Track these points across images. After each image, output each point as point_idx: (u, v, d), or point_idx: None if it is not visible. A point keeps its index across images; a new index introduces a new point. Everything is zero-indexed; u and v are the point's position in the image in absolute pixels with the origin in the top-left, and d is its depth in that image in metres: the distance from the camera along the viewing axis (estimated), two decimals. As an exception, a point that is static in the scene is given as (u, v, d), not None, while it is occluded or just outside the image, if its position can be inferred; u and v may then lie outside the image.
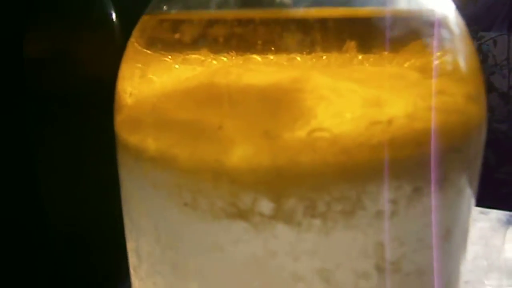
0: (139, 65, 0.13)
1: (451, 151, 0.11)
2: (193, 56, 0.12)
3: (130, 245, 0.13)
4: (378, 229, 0.10)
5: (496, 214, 0.33)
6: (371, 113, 0.10)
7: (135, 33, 0.14)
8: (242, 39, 0.11)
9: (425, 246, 0.11)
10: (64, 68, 0.21)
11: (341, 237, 0.10)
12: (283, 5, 0.11)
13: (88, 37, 0.21)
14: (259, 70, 0.11)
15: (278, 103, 0.10)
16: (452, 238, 0.12)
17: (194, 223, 0.10)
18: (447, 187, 0.11)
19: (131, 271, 0.13)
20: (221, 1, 0.12)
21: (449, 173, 0.11)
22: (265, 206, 0.10)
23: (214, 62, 0.12)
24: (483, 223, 0.32)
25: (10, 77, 0.22)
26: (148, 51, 0.13)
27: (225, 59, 0.11)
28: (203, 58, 0.12)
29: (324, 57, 0.11)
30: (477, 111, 0.12)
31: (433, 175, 0.10)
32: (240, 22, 0.11)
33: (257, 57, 0.11)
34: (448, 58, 0.12)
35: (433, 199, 0.11)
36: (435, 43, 0.12)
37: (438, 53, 0.12)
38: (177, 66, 0.12)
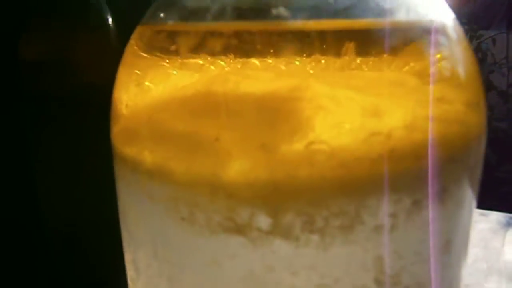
0: (135, 75, 0.13)
1: (451, 162, 0.11)
2: (190, 63, 0.12)
3: (128, 257, 0.13)
4: (377, 244, 0.10)
5: (496, 216, 0.33)
6: (370, 123, 0.10)
7: (131, 42, 0.14)
8: (239, 49, 0.11)
9: (425, 259, 0.11)
10: (60, 71, 0.21)
11: (340, 252, 0.10)
12: (279, 17, 0.11)
13: (84, 40, 0.21)
14: (257, 77, 0.11)
15: (276, 113, 0.10)
16: (452, 249, 0.12)
17: (191, 238, 0.10)
18: (447, 199, 0.11)
19: (129, 282, 0.13)
20: (218, 12, 0.11)
21: (449, 184, 0.11)
22: (263, 221, 0.10)
23: (212, 67, 0.11)
24: (482, 225, 0.32)
25: (5, 80, 0.22)
26: (145, 61, 0.13)
27: (222, 63, 0.11)
28: (201, 62, 0.11)
29: (323, 60, 0.11)
30: (477, 120, 0.12)
31: (433, 188, 0.10)
32: (237, 33, 0.11)
33: (256, 62, 0.11)
34: (447, 66, 0.12)
35: (433, 211, 0.10)
36: (433, 52, 0.12)
37: (437, 62, 0.12)
38: (174, 72, 0.12)
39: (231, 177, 0.10)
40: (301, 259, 0.10)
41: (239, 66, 0.11)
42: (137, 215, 0.12)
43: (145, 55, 0.13)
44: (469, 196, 0.12)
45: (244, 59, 0.11)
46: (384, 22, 0.11)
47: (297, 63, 0.11)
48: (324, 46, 0.11)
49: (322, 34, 0.11)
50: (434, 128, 0.11)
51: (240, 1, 0.12)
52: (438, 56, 0.12)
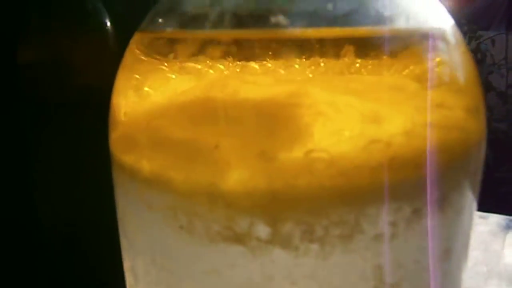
0: (134, 81, 0.13)
1: (451, 170, 0.11)
2: (189, 68, 0.12)
3: (127, 264, 0.13)
4: (377, 252, 0.10)
5: (495, 219, 0.33)
6: (369, 130, 0.10)
7: (130, 48, 0.13)
8: (237, 56, 0.11)
9: (425, 267, 0.11)
10: (59, 74, 0.20)
11: (339, 261, 0.10)
12: (278, 25, 0.11)
13: (82, 44, 0.21)
14: (256, 82, 0.11)
15: (275, 119, 0.10)
16: (452, 256, 0.12)
17: (190, 246, 0.10)
18: (447, 207, 0.11)
19: (128, 289, 0.13)
20: (217, 19, 0.11)
21: (449, 192, 0.11)
22: (262, 230, 0.10)
23: (211, 71, 0.11)
24: (482, 227, 0.32)
25: (4, 83, 0.22)
26: (143, 67, 0.13)
27: (221, 66, 0.11)
28: (199, 67, 0.11)
29: (322, 64, 0.11)
30: (477, 126, 0.12)
31: (433, 195, 0.10)
32: (236, 41, 0.11)
33: (255, 66, 0.11)
34: (446, 72, 0.12)
35: (433, 219, 0.10)
36: (432, 57, 0.12)
37: (436, 67, 0.12)
38: (173, 76, 0.12)
39: (230, 186, 0.10)
40: (300, 269, 0.10)
41: (238, 70, 0.11)
42: (135, 222, 0.12)
43: (144, 61, 0.13)
44: (470, 203, 0.12)
45: (243, 64, 0.11)
46: (384, 29, 0.11)
47: (297, 66, 0.11)
48: (323, 52, 0.11)
49: (321, 42, 0.11)
50: (434, 135, 0.11)
51: (239, 8, 0.12)
52: (438, 62, 0.12)
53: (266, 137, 0.10)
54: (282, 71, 0.11)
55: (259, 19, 0.11)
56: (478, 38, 1.03)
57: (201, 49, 0.11)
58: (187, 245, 0.10)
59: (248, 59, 0.11)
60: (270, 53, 0.11)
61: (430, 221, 0.10)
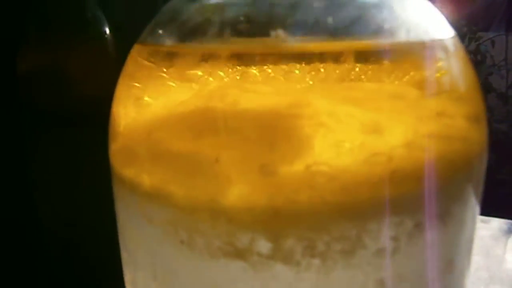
0: (133, 93, 0.13)
1: (453, 183, 0.11)
2: (189, 80, 0.12)
3: (127, 277, 0.13)
4: (379, 267, 0.10)
5: (497, 223, 0.33)
6: (371, 142, 0.10)
7: (130, 59, 0.13)
8: (237, 70, 0.11)
9: (428, 281, 0.11)
10: (58, 84, 0.20)
11: (341, 276, 0.10)
12: (279, 38, 0.11)
13: (81, 53, 0.21)
14: (256, 91, 0.11)
15: (276, 131, 0.10)
16: (455, 269, 0.12)
17: (191, 261, 0.10)
18: (449, 220, 0.11)
19: (129, 302, 0.13)
20: (216, 31, 0.11)
21: (451, 205, 0.11)
22: (263, 245, 0.10)
23: (211, 79, 0.11)
24: (484, 232, 0.32)
25: (4, 93, 0.22)
26: (143, 80, 0.13)
27: (221, 73, 0.11)
28: (200, 73, 0.11)
29: (322, 69, 0.11)
30: (478, 137, 0.12)
31: (435, 209, 0.10)
32: (235, 54, 0.11)
33: (255, 73, 0.11)
34: (447, 82, 0.12)
35: (435, 233, 0.10)
36: (433, 68, 0.12)
37: (437, 78, 0.12)
38: (173, 84, 0.12)
39: (231, 202, 0.10)
40: (302, 284, 0.10)
41: (238, 77, 0.11)
42: (136, 236, 0.12)
43: (144, 73, 0.13)
44: (472, 213, 0.12)
45: (243, 70, 0.11)
46: (385, 41, 0.11)
47: (297, 72, 0.11)
48: (324, 67, 0.11)
49: (321, 55, 0.11)
50: (436, 147, 0.11)
51: (239, 19, 0.12)
52: (439, 73, 0.12)
53: (266, 150, 0.10)
54: (281, 77, 0.11)
55: (259, 30, 0.11)
56: (478, 39, 1.03)
57: (201, 62, 0.11)
58: (188, 260, 0.10)
59: (248, 67, 0.11)
60: (270, 65, 0.11)
61: (432, 234, 0.10)
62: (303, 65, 0.11)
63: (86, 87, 0.21)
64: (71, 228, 0.22)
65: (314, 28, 0.11)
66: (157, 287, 0.11)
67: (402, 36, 0.11)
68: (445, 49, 0.11)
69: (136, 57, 0.13)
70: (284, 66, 0.11)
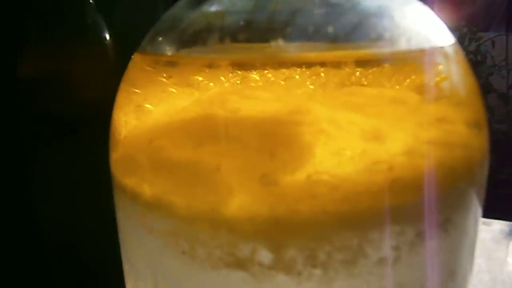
0: (134, 101, 0.13)
1: (455, 191, 0.11)
2: (190, 86, 0.12)
3: (129, 286, 0.13)
4: (381, 277, 0.10)
5: (498, 225, 0.33)
6: (372, 150, 0.10)
7: (130, 67, 0.13)
8: (236, 81, 0.11)
9: (429, 289, 0.11)
10: (58, 89, 0.20)
11: (343, 286, 0.10)
12: (279, 47, 0.11)
13: (81, 59, 0.21)
14: (256, 97, 0.11)
15: (276, 138, 0.10)
16: (457, 277, 0.11)
17: (192, 271, 0.10)
18: (451, 229, 0.11)
19: (130, 311, 0.13)
20: (216, 40, 0.11)
21: (452, 213, 0.11)
22: (264, 256, 0.10)
23: (211, 84, 0.11)
24: (485, 234, 0.32)
25: (4, 98, 0.22)
26: (144, 87, 0.13)
27: (222, 78, 0.11)
28: (200, 79, 0.11)
29: (322, 74, 0.11)
30: (479, 143, 0.12)
31: (437, 218, 0.10)
32: (235, 63, 0.11)
33: (256, 77, 0.11)
34: (448, 88, 0.12)
35: (437, 242, 0.10)
36: (434, 75, 0.12)
37: (438, 85, 0.12)
38: (173, 90, 0.12)
39: (232, 212, 0.10)
40: (303, 294, 0.10)
41: (238, 82, 0.11)
42: (137, 246, 0.12)
43: (145, 81, 0.13)
44: (474, 220, 0.12)
45: (244, 75, 0.11)
46: (385, 48, 0.11)
47: (297, 77, 0.11)
48: (324, 70, 0.11)
49: (322, 64, 0.11)
50: (437, 154, 0.11)
51: (238, 28, 0.12)
52: (439, 80, 0.12)
53: (267, 158, 0.10)
54: (282, 82, 0.11)
55: (260, 37, 0.11)
56: (478, 40, 1.03)
57: (201, 72, 0.11)
58: (189, 270, 0.10)
59: (248, 75, 0.11)
60: (270, 72, 0.11)
61: (434, 243, 0.10)
62: (303, 72, 0.11)
63: (86, 93, 0.21)
64: (71, 233, 0.22)
65: (315, 35, 0.11)
66: (158, 297, 0.11)
67: (402, 44, 0.11)
68: (445, 56, 0.11)
69: (137, 65, 0.13)
70: (284, 74, 0.11)
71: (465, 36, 1.00)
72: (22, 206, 0.23)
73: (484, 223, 0.33)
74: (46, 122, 0.21)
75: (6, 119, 0.23)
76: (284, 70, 0.11)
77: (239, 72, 0.11)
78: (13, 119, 0.22)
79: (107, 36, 0.21)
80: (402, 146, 0.10)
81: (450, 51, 0.12)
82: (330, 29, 0.11)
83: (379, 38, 0.11)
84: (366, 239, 0.09)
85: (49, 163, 0.22)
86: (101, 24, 0.21)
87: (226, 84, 0.11)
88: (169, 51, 0.12)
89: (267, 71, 0.11)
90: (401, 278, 0.10)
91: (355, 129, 0.10)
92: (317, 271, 0.10)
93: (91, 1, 0.21)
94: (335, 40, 0.11)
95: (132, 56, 0.14)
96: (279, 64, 0.11)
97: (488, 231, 0.32)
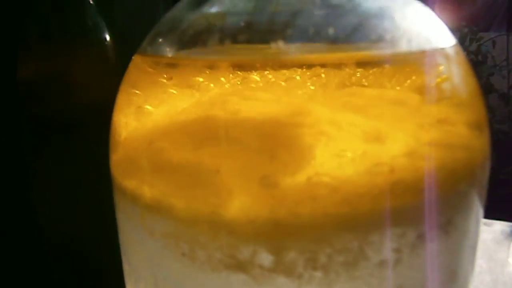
0: (134, 103, 0.13)
1: (456, 193, 0.11)
2: (190, 87, 0.12)
3: (129, 288, 0.13)
4: (381, 279, 0.10)
5: (499, 226, 0.33)
6: (372, 151, 0.10)
7: (130, 69, 0.13)
8: (236, 83, 0.11)
9: (430, 291, 0.11)
10: (58, 91, 0.20)
11: (344, 289, 0.10)
12: (280, 49, 0.10)
13: (81, 61, 0.21)
14: (257, 98, 0.11)
15: (277, 140, 0.10)
16: (459, 279, 0.11)
17: (192, 274, 0.10)
18: (452, 230, 0.11)
19: (130, 313, 0.13)
20: (216, 41, 0.11)
21: (454, 215, 0.11)
22: (265, 258, 0.09)
23: (212, 85, 0.11)
24: (486, 235, 0.32)
25: (4, 101, 0.22)
26: (144, 90, 0.13)
27: (223, 79, 0.11)
28: (200, 80, 0.11)
29: (323, 75, 0.11)
30: (480, 145, 0.12)
31: (438, 220, 0.10)
32: (235, 65, 0.11)
33: (256, 78, 0.11)
34: (449, 90, 0.12)
35: (438, 244, 0.10)
36: (435, 76, 0.12)
37: (439, 87, 0.12)
38: (174, 92, 0.12)
39: (232, 214, 0.09)
40: (304, 297, 0.10)
41: (238, 83, 0.11)
42: (137, 247, 0.12)
43: (145, 82, 0.13)
44: (475, 222, 0.12)
45: (244, 76, 0.11)
46: (386, 50, 0.11)
47: (298, 78, 0.11)
48: (324, 71, 0.11)
49: (322, 65, 0.11)
50: (438, 156, 0.11)
51: (239, 29, 0.12)
52: (440, 82, 0.12)
53: (267, 160, 0.10)
54: (282, 87, 0.11)
55: (260, 39, 0.11)
56: (478, 40, 1.03)
57: (202, 73, 0.11)
58: (189, 273, 0.10)
59: (248, 76, 0.11)
60: (271, 74, 0.11)
61: (435, 245, 0.10)
62: (304, 73, 0.11)
63: (86, 94, 0.21)
64: (71, 234, 0.22)
65: (315, 37, 0.11)
66: (158, 299, 0.11)
67: (403, 46, 0.11)
68: (446, 57, 0.11)
69: (137, 66, 0.13)
70: (284, 75, 0.11)
71: (466, 36, 1.00)
72: (22, 207, 0.23)
73: (485, 224, 0.33)
74: (46, 123, 0.21)
75: (6, 120, 0.23)
76: (284, 71, 0.11)
77: (239, 73, 0.11)
78: (13, 120, 0.22)
79: (107, 37, 0.21)
80: (403, 147, 0.10)
81: (451, 52, 0.12)
82: (331, 30, 0.11)
83: (379, 39, 0.11)
84: (367, 241, 0.09)
85: (49, 164, 0.22)
86: (101, 25, 0.21)
87: (227, 85, 0.11)
88: (169, 52, 0.12)
89: (267, 72, 0.11)
90: (402, 280, 0.10)
91: (356, 130, 0.10)
92: (318, 274, 0.09)
93: (91, 2, 0.21)
94: (335, 41, 0.11)
95: (132, 57, 0.13)
96: (279, 65, 0.11)
97: (489, 231, 0.32)
